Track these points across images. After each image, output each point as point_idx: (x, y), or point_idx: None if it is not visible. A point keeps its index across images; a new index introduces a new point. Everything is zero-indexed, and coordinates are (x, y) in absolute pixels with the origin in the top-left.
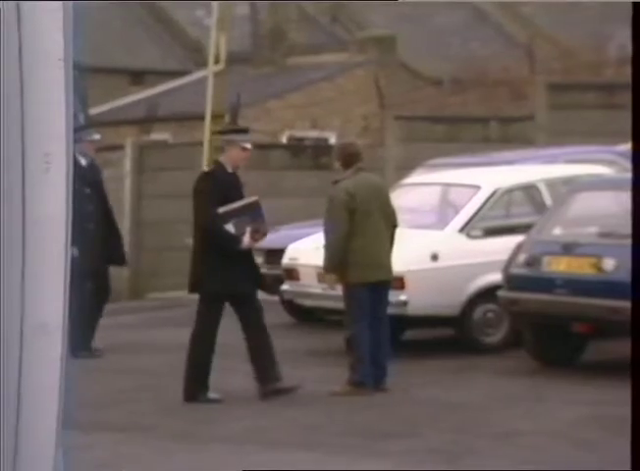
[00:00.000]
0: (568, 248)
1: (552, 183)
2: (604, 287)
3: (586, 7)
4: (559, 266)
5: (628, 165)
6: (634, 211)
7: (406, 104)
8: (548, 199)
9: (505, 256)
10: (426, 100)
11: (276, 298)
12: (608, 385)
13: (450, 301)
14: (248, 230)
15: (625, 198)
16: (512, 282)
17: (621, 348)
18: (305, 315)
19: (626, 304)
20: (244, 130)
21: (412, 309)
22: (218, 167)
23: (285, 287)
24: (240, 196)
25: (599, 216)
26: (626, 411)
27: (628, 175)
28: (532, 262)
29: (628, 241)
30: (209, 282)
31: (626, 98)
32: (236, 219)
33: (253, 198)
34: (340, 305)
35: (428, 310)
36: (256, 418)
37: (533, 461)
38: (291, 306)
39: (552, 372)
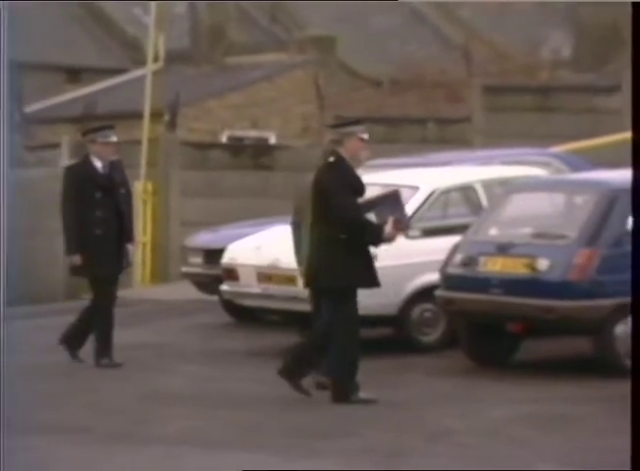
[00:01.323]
0: (503, 249)
1: (488, 185)
2: (537, 286)
3: (521, 11)
4: (494, 266)
5: (562, 166)
6: (634, 210)
7: (346, 105)
8: (484, 200)
9: (442, 256)
10: (365, 101)
11: (215, 298)
12: (541, 383)
13: (388, 301)
14: (391, 219)
15: (559, 199)
16: (449, 282)
17: (554, 347)
18: (244, 315)
19: (559, 303)
20: (359, 122)
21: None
22: (339, 158)
23: (224, 286)
24: (363, 187)
25: (533, 217)
26: (559, 408)
27: (562, 176)
28: (468, 262)
29: (561, 242)
30: (342, 275)
31: (560, 101)
32: (376, 210)
33: (393, 189)
34: (279, 305)
35: (367, 310)
36: (193, 418)
37: (468, 460)
38: (230, 306)
39: (487, 371)
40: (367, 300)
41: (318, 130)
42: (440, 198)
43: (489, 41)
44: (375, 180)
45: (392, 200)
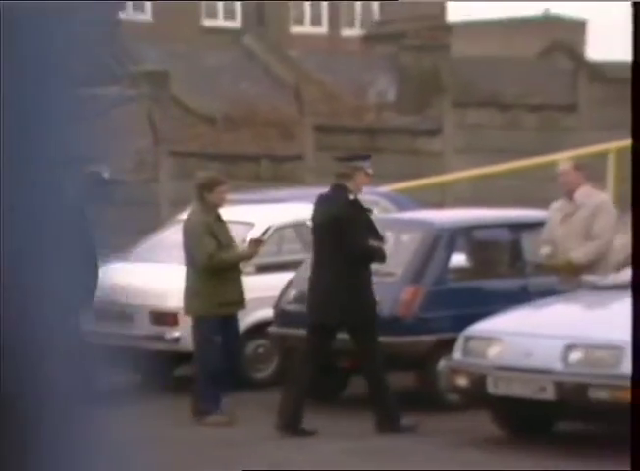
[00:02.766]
0: None
1: None
2: None
3: (348, 54)
4: None
5: (389, 206)
6: (635, 225)
7: (180, 140)
8: None
9: (276, 292)
10: (200, 137)
11: None
12: (368, 417)
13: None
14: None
15: (387, 238)
16: (283, 317)
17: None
18: None
19: (385, 339)
20: (367, 157)
21: (185, 345)
22: (348, 192)
23: None
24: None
25: None
26: (384, 442)
27: (390, 215)
28: (302, 298)
29: (389, 279)
30: (368, 309)
31: (385, 142)
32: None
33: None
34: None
35: None
36: None
37: None
38: None
39: (318, 406)
40: None
41: (153, 166)
42: (274, 235)
43: (319, 82)
44: None
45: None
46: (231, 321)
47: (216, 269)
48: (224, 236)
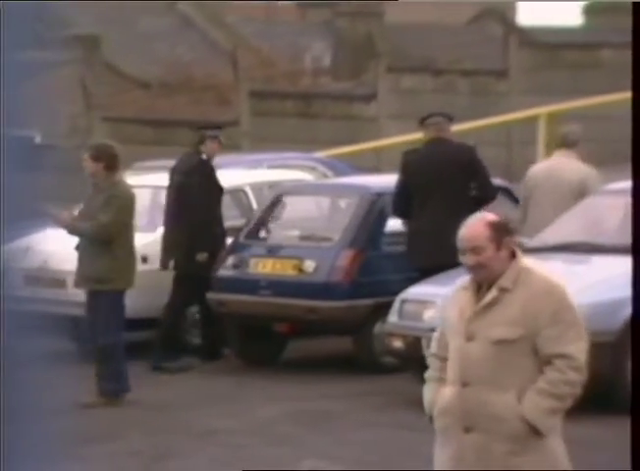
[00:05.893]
0: (273, 251)
1: (258, 188)
2: (304, 288)
3: (284, 20)
4: (264, 268)
5: (327, 171)
6: (634, 217)
7: (114, 106)
8: (254, 203)
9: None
10: (134, 102)
11: None
12: (305, 381)
13: (160, 303)
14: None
15: (324, 203)
16: (220, 284)
17: (317, 346)
18: None
19: (321, 304)
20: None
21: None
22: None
23: None
24: None
25: (300, 219)
26: (320, 405)
27: (327, 181)
28: (239, 264)
29: (327, 244)
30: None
31: (321, 108)
32: None
33: None
34: (47, 309)
35: (138, 312)
36: None
37: (234, 459)
38: None
39: (255, 371)
40: (136, 303)
41: (86, 131)
42: None
43: (255, 48)
44: (144, 182)
45: None
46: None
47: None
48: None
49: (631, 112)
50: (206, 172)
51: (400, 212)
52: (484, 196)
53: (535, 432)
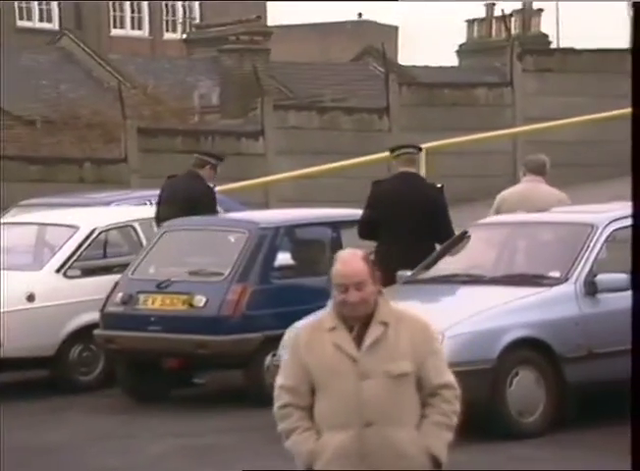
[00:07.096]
0: (162, 286)
1: (147, 224)
2: (194, 323)
3: (170, 58)
4: (153, 304)
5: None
6: (634, 234)
7: None
8: (144, 239)
9: (102, 295)
10: (19, 139)
11: None
12: (195, 416)
13: (45, 342)
14: None
15: (214, 238)
16: (109, 320)
17: (209, 381)
18: None
19: (212, 338)
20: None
21: (6, 351)
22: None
23: None
24: None
25: (189, 254)
26: (210, 439)
27: (216, 216)
28: (128, 300)
29: (216, 279)
30: None
31: (209, 145)
32: None
33: None
34: None
35: (23, 352)
36: None
37: None
38: None
39: (144, 408)
40: (22, 342)
41: None
42: (100, 237)
43: (141, 85)
44: (31, 219)
45: None
46: None
47: None
48: None
49: (631, 127)
50: (212, 197)
51: (366, 237)
52: (443, 237)
53: (437, 466)
